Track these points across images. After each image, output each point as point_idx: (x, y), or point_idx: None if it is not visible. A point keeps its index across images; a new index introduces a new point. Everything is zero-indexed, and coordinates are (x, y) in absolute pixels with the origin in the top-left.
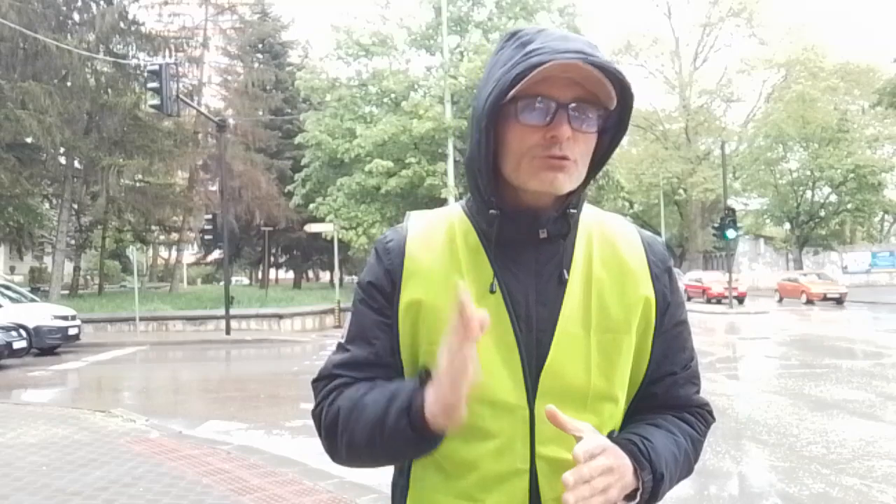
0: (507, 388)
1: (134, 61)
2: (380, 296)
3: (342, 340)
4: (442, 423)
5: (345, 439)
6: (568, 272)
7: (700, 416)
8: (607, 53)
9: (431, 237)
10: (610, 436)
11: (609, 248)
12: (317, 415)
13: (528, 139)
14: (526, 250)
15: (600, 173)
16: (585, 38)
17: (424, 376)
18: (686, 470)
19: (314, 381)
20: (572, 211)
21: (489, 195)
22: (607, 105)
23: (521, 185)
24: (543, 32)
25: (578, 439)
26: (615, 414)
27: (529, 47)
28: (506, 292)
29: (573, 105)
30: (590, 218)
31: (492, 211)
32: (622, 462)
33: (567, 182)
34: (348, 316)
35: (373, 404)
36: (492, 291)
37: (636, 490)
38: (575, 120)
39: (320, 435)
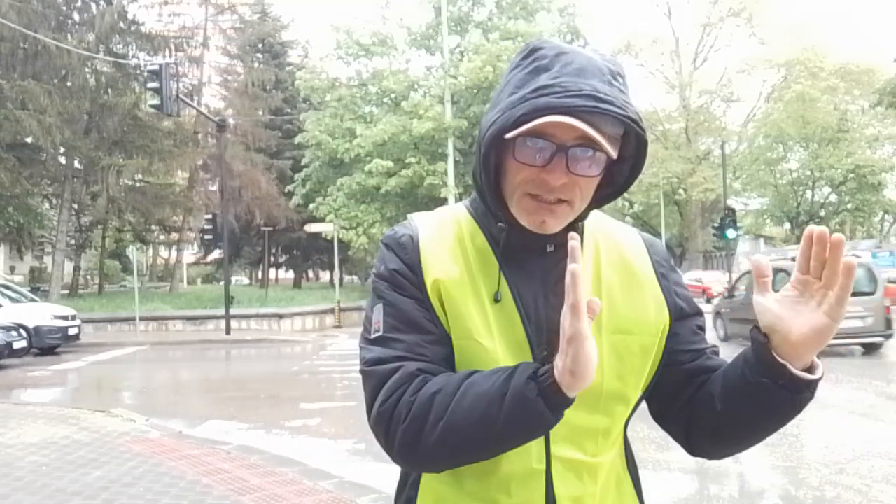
0: None
1: (134, 61)
2: (407, 282)
3: (381, 334)
4: (571, 376)
5: (441, 425)
6: None
7: None
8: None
9: (443, 236)
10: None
11: (615, 252)
12: (388, 408)
13: (523, 176)
14: (533, 258)
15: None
16: (607, 66)
17: (546, 355)
18: None
19: (370, 367)
20: (580, 224)
21: (496, 210)
22: (609, 153)
23: (515, 216)
24: (562, 58)
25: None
26: (625, 415)
27: (542, 79)
28: (516, 295)
29: (573, 147)
30: (594, 223)
31: (500, 224)
32: None
33: (557, 224)
34: (375, 310)
35: (486, 380)
36: (497, 300)
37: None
38: (575, 163)
39: (391, 433)
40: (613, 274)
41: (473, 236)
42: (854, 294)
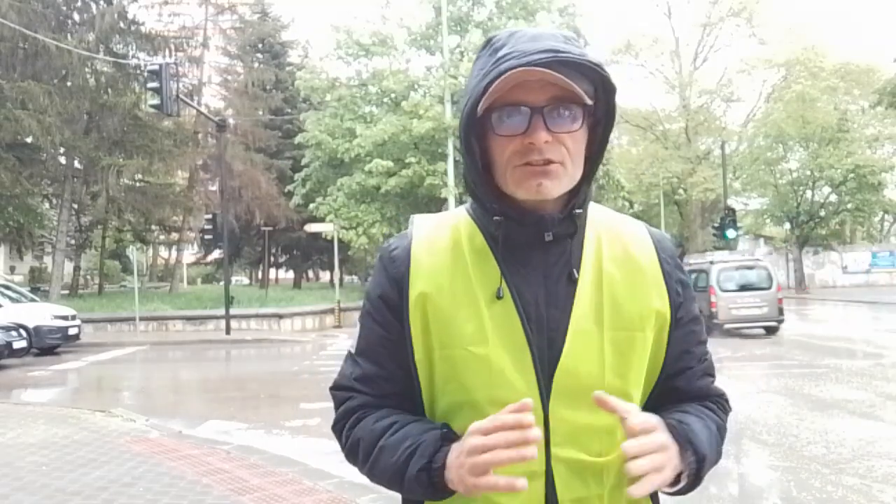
0: (520, 390)
1: (134, 61)
2: (387, 309)
3: (352, 350)
4: (459, 489)
5: (366, 470)
6: (578, 271)
7: (720, 405)
8: (607, 53)
9: (436, 240)
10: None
11: (619, 245)
12: (337, 432)
13: (508, 148)
14: (533, 252)
15: (600, 173)
16: (560, 33)
17: (446, 433)
18: (716, 454)
19: (332, 390)
20: (578, 211)
21: (490, 203)
22: (583, 102)
23: (511, 194)
24: (515, 35)
25: (625, 422)
26: None
27: (500, 53)
28: (515, 295)
29: (548, 107)
30: (597, 216)
31: (496, 217)
32: (672, 441)
33: (554, 187)
34: (357, 324)
35: (393, 450)
36: (499, 297)
37: (680, 472)
38: (553, 122)
39: (342, 448)
40: (616, 268)
41: (472, 238)
42: (755, 289)
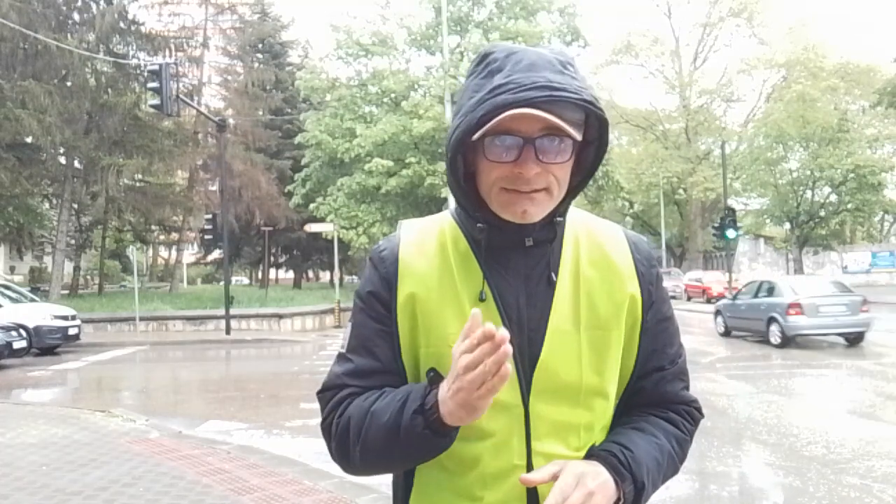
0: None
1: (134, 61)
2: (379, 304)
3: (343, 350)
4: (460, 418)
5: (358, 448)
6: (556, 274)
7: (687, 414)
8: (607, 53)
9: (423, 243)
10: (591, 449)
11: (596, 248)
12: (326, 427)
13: (496, 173)
14: (515, 256)
15: (600, 173)
16: (556, 58)
17: (433, 376)
18: (671, 471)
19: (320, 393)
20: (559, 219)
21: (473, 211)
22: (573, 136)
23: (496, 212)
24: (512, 58)
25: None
26: (606, 409)
27: (496, 80)
28: (497, 296)
29: (540, 138)
30: (576, 220)
31: (479, 224)
32: (601, 480)
33: (538, 212)
34: (347, 326)
35: (384, 410)
36: (482, 299)
37: (618, 500)
38: (543, 152)
39: (330, 447)
40: (593, 270)
41: (457, 242)
42: None
